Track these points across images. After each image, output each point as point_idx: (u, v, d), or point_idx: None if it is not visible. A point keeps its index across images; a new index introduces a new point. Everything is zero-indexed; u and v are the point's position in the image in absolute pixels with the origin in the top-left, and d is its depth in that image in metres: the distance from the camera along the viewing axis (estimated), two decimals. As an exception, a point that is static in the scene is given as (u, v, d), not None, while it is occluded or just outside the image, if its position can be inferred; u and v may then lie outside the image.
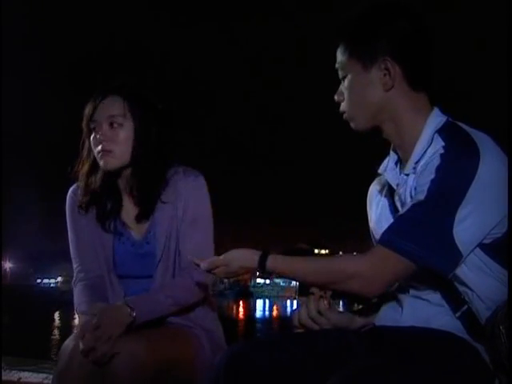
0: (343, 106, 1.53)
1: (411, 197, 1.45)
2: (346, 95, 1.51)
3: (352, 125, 1.53)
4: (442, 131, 1.45)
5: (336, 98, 1.54)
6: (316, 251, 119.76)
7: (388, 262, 1.37)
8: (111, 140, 1.84)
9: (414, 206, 1.38)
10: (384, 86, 1.47)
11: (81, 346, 1.62)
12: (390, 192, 1.58)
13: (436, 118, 1.49)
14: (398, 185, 1.52)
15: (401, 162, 1.55)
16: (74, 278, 1.92)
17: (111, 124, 1.84)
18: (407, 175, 1.48)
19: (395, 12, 1.48)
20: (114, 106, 1.85)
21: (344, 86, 1.51)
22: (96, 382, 1.62)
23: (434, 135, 1.45)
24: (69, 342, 1.68)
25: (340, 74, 1.52)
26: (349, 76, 1.49)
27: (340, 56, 1.51)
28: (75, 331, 1.71)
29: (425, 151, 1.45)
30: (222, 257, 1.52)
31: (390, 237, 1.38)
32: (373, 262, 1.38)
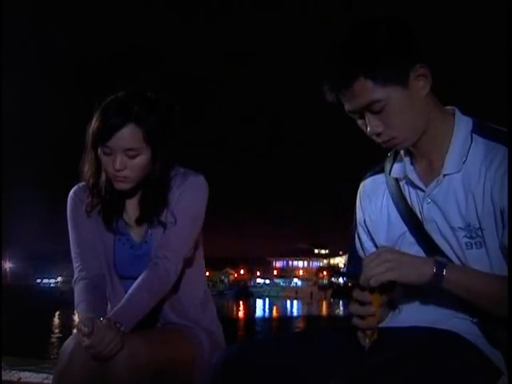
0: (388, 135, 1.44)
1: (458, 196, 1.45)
2: (392, 122, 1.42)
3: (400, 147, 1.49)
4: (478, 131, 1.47)
5: (374, 130, 1.43)
6: (316, 251, 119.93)
7: None
8: (127, 168, 1.79)
9: None
10: (424, 91, 1.43)
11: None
12: (400, 195, 1.57)
13: (462, 118, 1.50)
14: (426, 187, 1.50)
15: (414, 163, 1.55)
16: (75, 277, 1.91)
17: (127, 154, 1.78)
18: (444, 175, 1.47)
19: (390, 23, 1.42)
20: (132, 140, 1.76)
21: (383, 114, 1.41)
22: (96, 382, 1.62)
23: (472, 135, 1.46)
24: (69, 342, 1.67)
25: (375, 107, 1.40)
26: (390, 103, 1.39)
27: (368, 93, 1.38)
28: (75, 331, 1.70)
29: (468, 151, 1.45)
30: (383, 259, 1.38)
31: None
32: None
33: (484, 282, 1.39)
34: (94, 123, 1.79)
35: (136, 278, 1.85)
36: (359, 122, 1.47)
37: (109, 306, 1.91)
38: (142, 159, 1.80)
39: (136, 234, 1.92)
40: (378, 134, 1.44)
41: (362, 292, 1.40)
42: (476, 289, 1.38)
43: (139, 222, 1.90)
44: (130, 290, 1.78)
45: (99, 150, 1.81)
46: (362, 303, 1.41)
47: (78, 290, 1.88)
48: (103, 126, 1.76)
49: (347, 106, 1.44)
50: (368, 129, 1.44)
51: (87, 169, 1.88)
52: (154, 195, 1.87)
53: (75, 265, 1.93)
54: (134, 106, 1.78)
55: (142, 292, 1.77)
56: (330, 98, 1.45)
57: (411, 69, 1.40)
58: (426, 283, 1.38)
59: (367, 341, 1.43)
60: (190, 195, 1.88)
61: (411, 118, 1.43)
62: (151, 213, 1.87)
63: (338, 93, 1.43)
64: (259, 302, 75.66)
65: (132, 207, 1.92)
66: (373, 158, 1.72)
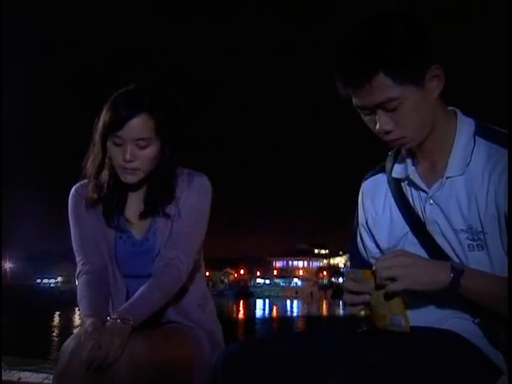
0: (397, 134, 1.43)
1: (460, 199, 1.44)
2: (403, 122, 1.41)
3: (406, 146, 1.49)
4: (480, 133, 1.47)
5: (383, 128, 1.42)
6: (316, 251, 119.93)
7: None
8: (138, 159, 1.81)
9: None
10: (437, 92, 1.43)
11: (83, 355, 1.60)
12: (401, 195, 1.57)
13: (465, 119, 1.50)
14: (428, 188, 1.50)
15: (416, 164, 1.54)
16: (78, 271, 1.91)
17: (138, 144, 1.80)
18: (447, 178, 1.47)
19: (407, 20, 1.40)
20: (144, 129, 1.79)
21: (396, 113, 1.40)
22: (96, 382, 1.62)
23: (474, 138, 1.46)
24: (69, 342, 1.67)
25: (390, 105, 1.39)
26: (404, 102, 1.39)
27: (386, 91, 1.37)
28: (76, 331, 1.70)
29: (471, 153, 1.45)
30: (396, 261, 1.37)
31: None
32: None
33: (498, 286, 1.37)
34: (105, 115, 1.81)
35: (137, 277, 1.86)
36: (366, 118, 1.45)
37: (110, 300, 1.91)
38: (152, 150, 1.82)
39: (137, 231, 1.93)
40: (387, 132, 1.43)
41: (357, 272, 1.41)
42: (491, 293, 1.38)
43: (143, 215, 1.90)
44: (142, 288, 1.79)
45: (108, 143, 1.82)
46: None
47: (81, 284, 1.88)
48: (115, 116, 1.78)
49: (358, 102, 1.42)
50: (377, 126, 1.43)
51: (90, 163, 1.89)
52: (160, 187, 1.88)
53: (78, 258, 1.93)
54: (145, 98, 1.81)
55: (155, 290, 1.78)
56: (344, 93, 1.43)
57: (428, 69, 1.40)
58: (441, 290, 1.37)
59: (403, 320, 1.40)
60: (196, 196, 1.90)
61: (421, 118, 1.43)
62: (157, 204, 1.88)
63: (353, 88, 1.40)
64: (259, 302, 75.65)
65: (135, 202, 1.92)
66: (374, 158, 1.72)
